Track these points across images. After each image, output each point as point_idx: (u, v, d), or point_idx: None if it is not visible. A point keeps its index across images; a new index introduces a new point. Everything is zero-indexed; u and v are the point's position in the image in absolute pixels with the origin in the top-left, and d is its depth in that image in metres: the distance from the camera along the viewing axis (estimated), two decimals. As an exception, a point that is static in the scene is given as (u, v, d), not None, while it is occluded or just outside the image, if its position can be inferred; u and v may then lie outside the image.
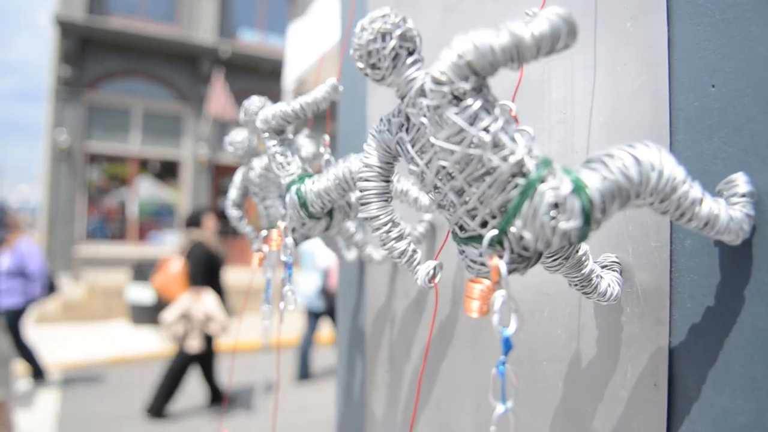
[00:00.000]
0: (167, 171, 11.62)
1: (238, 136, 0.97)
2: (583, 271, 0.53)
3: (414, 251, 0.50)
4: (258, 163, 0.96)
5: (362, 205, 0.49)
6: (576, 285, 0.54)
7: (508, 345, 0.41)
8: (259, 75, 11.47)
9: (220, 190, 12.21)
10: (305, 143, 1.00)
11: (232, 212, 1.05)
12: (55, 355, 6.38)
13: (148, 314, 8.49)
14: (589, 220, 0.40)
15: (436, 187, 0.45)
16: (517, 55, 0.40)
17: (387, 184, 0.49)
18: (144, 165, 11.34)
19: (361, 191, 0.49)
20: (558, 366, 0.66)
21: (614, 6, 0.60)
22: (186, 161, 11.46)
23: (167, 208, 11.77)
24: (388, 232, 0.48)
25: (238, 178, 1.04)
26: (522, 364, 0.72)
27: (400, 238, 0.49)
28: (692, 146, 0.52)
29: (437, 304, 0.85)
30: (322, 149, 0.89)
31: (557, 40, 0.40)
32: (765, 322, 0.47)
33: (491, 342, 0.80)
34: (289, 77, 4.61)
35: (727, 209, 0.45)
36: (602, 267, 0.58)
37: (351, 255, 1.12)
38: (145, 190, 11.42)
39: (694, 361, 0.52)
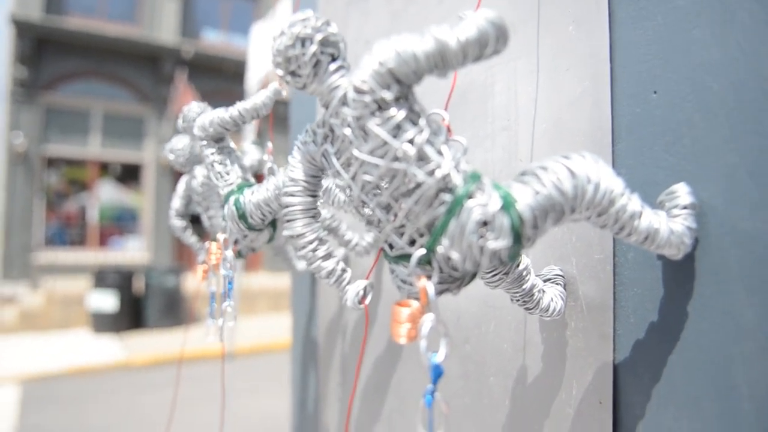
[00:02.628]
0: (129, 174, 11.33)
1: (179, 143, 0.92)
2: (524, 287, 0.50)
3: (343, 270, 0.47)
4: (200, 172, 0.91)
5: (287, 221, 0.46)
6: (518, 300, 0.52)
7: (437, 372, 0.38)
8: (223, 76, 11.28)
9: (185, 194, 11.96)
10: (251, 150, 0.96)
11: (176, 222, 1.00)
12: (12, 366, 6.15)
13: (111, 322, 8.27)
14: (519, 238, 0.37)
15: (363, 203, 0.42)
16: (441, 61, 0.37)
17: (313, 199, 0.46)
18: (105, 168, 11.03)
19: (285, 207, 0.45)
20: (504, 381, 0.64)
21: (557, 9, 0.58)
22: (149, 164, 11.20)
23: (129, 212, 11.48)
24: (315, 250, 0.45)
25: (181, 186, 0.99)
26: (469, 378, 0.69)
27: (327, 257, 0.46)
28: (634, 155, 0.51)
29: (367, 327, 0.82)
30: (265, 157, 0.85)
31: (485, 45, 0.37)
32: (707, 338, 0.45)
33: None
34: (253, 78, 4.53)
35: (667, 222, 0.43)
36: (545, 280, 0.56)
37: (302, 265, 1.09)
38: (106, 194, 11.11)
39: (638, 377, 0.50)
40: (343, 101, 0.40)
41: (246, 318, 8.98)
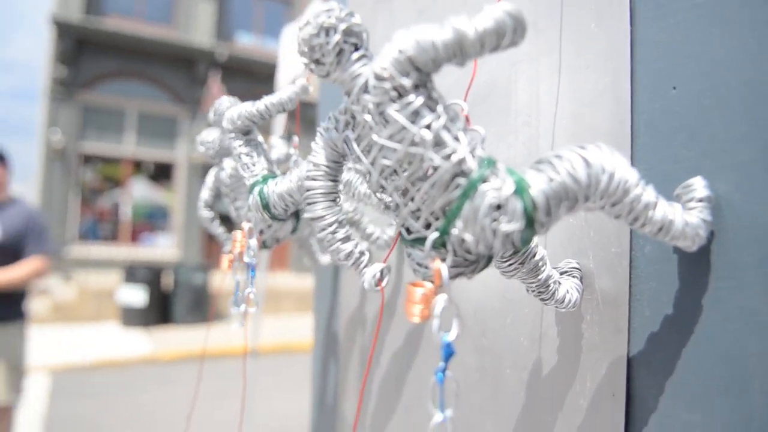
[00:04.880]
0: (161, 173, 11.57)
1: (209, 136, 0.95)
2: (539, 277, 0.51)
3: (361, 253, 0.48)
4: (229, 164, 0.94)
5: (308, 204, 0.47)
6: (533, 291, 0.52)
7: (449, 351, 0.39)
8: (256, 78, 11.45)
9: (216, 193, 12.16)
10: (278, 144, 0.99)
11: (204, 213, 1.03)
12: (44, 356, 6.33)
13: (139, 317, 8.45)
14: (532, 222, 0.38)
15: (381, 187, 0.44)
16: (459, 50, 0.38)
17: (334, 183, 0.48)
18: (138, 166, 11.29)
19: (307, 190, 0.47)
20: (520, 374, 0.64)
21: (579, 7, 0.59)
22: (180, 163, 11.42)
23: (161, 210, 11.72)
24: (334, 233, 0.47)
25: (210, 178, 1.02)
26: (486, 371, 0.70)
27: (346, 239, 0.47)
28: (653, 150, 0.51)
29: (383, 308, 0.83)
30: (291, 150, 0.87)
31: (502, 36, 0.38)
32: (722, 332, 0.45)
33: (460, 345, 0.78)
34: (282, 80, 4.59)
35: (682, 214, 0.43)
36: (562, 273, 0.56)
37: (325, 258, 1.10)
38: (139, 191, 11.37)
39: (652, 371, 0.50)
40: (365, 88, 0.42)
41: (271, 317, 9.07)
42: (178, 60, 11.14)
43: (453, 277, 0.42)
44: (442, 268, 0.40)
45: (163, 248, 11.39)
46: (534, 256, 0.50)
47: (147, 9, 11.30)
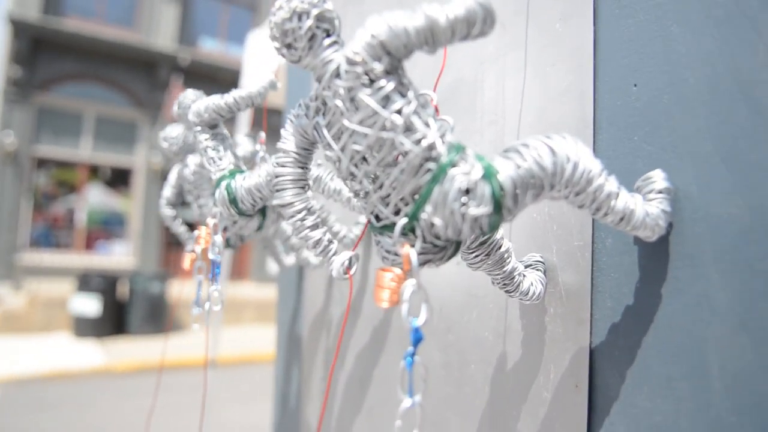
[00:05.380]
0: (119, 178, 11.27)
1: (173, 132, 0.93)
2: (505, 269, 0.52)
3: (330, 241, 0.48)
4: (193, 160, 0.92)
5: (277, 191, 0.47)
6: (498, 283, 0.53)
7: (417, 336, 0.39)
8: (219, 84, 11.30)
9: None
10: (243, 142, 0.98)
11: (166, 211, 1.01)
12: (-9, 367, 6.05)
13: (93, 327, 8.17)
14: (499, 207, 0.39)
15: (351, 174, 0.44)
16: (431, 37, 0.39)
17: (304, 170, 0.47)
18: (94, 172, 10.97)
19: (276, 177, 0.47)
20: (485, 369, 0.65)
21: (544, 7, 0.60)
22: (139, 169, 11.16)
23: (117, 217, 11.40)
24: (303, 219, 0.46)
25: (173, 176, 1.00)
26: (452, 367, 0.70)
27: (315, 227, 0.47)
28: (614, 145, 0.52)
29: (350, 299, 0.83)
30: (257, 147, 0.86)
31: (472, 25, 0.39)
32: (681, 320, 0.46)
33: (426, 342, 0.78)
34: (245, 85, 4.55)
35: (643, 205, 0.45)
36: (526, 266, 0.57)
37: (290, 260, 1.09)
38: (95, 197, 11.03)
39: (613, 360, 0.51)
40: (336, 74, 0.42)
41: (232, 328, 8.90)
42: (139, 63, 10.91)
43: (422, 264, 0.42)
44: (411, 253, 0.40)
45: (118, 256, 11.07)
46: (499, 248, 0.51)
47: (108, 11, 11.04)
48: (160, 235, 11.45)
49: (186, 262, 0.95)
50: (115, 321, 8.64)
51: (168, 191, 1.00)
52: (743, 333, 0.42)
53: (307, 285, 1.12)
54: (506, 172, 0.39)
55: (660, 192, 0.46)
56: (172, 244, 11.72)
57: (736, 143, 0.44)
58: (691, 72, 0.47)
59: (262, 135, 0.85)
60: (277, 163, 0.47)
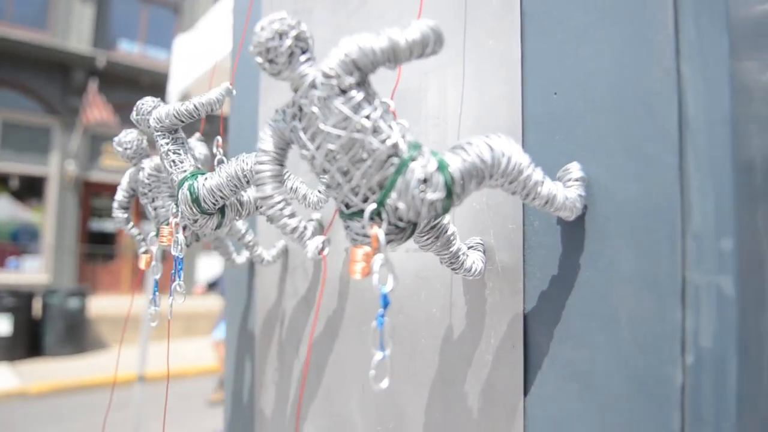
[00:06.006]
0: (30, 189, 10.62)
1: (127, 137, 0.96)
2: (451, 249, 0.61)
3: (305, 228, 0.55)
4: (148, 164, 0.96)
5: (258, 186, 0.53)
6: (446, 262, 0.62)
7: (386, 300, 0.47)
8: (139, 87, 10.90)
9: (90, 211, 11.36)
10: (197, 146, 1.02)
11: (119, 214, 1.03)
12: None
13: (3, 348, 7.68)
14: (450, 193, 0.48)
15: (324, 170, 0.51)
16: (393, 55, 0.47)
17: (281, 167, 0.54)
18: (2, 182, 10.29)
19: (256, 173, 0.53)
20: (434, 341, 0.74)
21: (479, 26, 0.70)
22: (52, 179, 10.56)
23: (28, 230, 10.73)
24: (282, 210, 0.53)
25: (125, 179, 1.03)
26: (404, 344, 0.79)
27: (292, 215, 0.54)
28: (539, 144, 0.63)
29: (324, 281, 0.90)
30: (215, 150, 0.91)
31: (426, 45, 0.48)
32: (596, 284, 0.57)
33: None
34: (173, 90, 4.47)
35: (563, 190, 0.55)
36: (469, 248, 0.67)
37: (241, 258, 1.14)
38: (3, 209, 10.34)
39: (543, 322, 0.61)
40: (313, 85, 0.49)
41: (157, 343, 8.59)
42: (52, 66, 10.33)
43: (387, 242, 0.50)
44: (379, 233, 0.48)
45: (30, 272, 10.43)
46: (446, 231, 0.60)
47: (18, 11, 10.38)
48: (76, 248, 10.89)
49: (141, 262, 0.98)
50: (28, 341, 8.14)
51: (120, 195, 1.03)
52: (642, 291, 0.53)
53: (258, 282, 1.18)
54: (455, 164, 0.48)
55: (576, 180, 0.57)
56: (89, 258, 11.16)
57: (635, 140, 0.55)
58: (601, 82, 0.57)
59: (219, 139, 0.91)
60: (258, 162, 0.53)
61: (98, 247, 11.35)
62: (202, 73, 4.02)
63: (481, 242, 0.67)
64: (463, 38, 0.72)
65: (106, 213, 11.74)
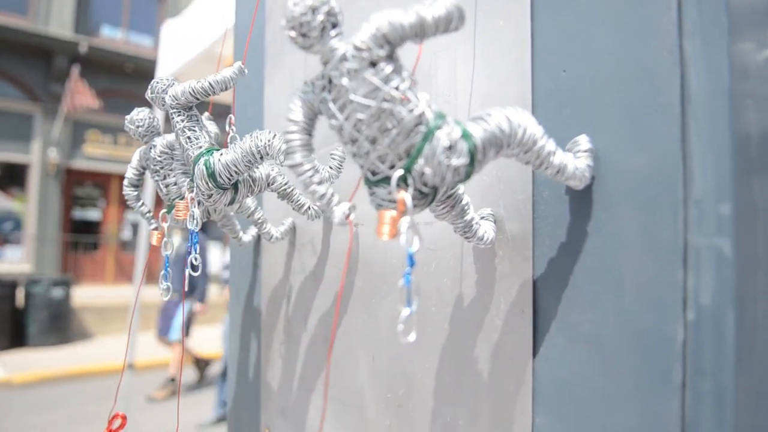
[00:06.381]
0: (11, 177, 10.46)
1: (139, 114, 0.98)
2: (465, 218, 0.64)
3: (333, 194, 0.58)
4: (160, 141, 0.98)
5: (288, 154, 0.56)
6: (459, 230, 0.65)
7: (412, 260, 0.51)
8: (122, 73, 10.76)
9: (73, 200, 11.22)
10: (206, 124, 1.04)
11: (129, 192, 1.05)
12: None
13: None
14: (473, 160, 0.51)
15: (352, 139, 0.54)
16: (421, 30, 0.50)
17: (309, 137, 0.57)
18: (-17, 170, 10.12)
19: (286, 143, 0.56)
20: (444, 309, 0.77)
21: (489, 7, 0.73)
22: (34, 166, 10.40)
23: (10, 218, 10.59)
24: (311, 176, 0.56)
25: (135, 157, 1.05)
26: (414, 314, 0.82)
27: (320, 182, 0.57)
28: (549, 118, 0.66)
29: (350, 248, 0.93)
30: (227, 127, 0.94)
31: (451, 21, 0.51)
32: (602, 250, 0.61)
33: (382, 303, 0.90)
34: (161, 76, 4.45)
35: (573, 161, 0.59)
36: (481, 218, 0.70)
37: (247, 237, 1.17)
38: (-16, 198, 10.19)
39: (551, 287, 0.65)
40: (344, 58, 0.52)
41: (142, 333, 8.56)
42: (33, 52, 10.14)
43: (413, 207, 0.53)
44: (406, 197, 0.52)
45: (12, 262, 10.30)
46: (461, 201, 0.63)
47: (-2, -2, 10.17)
48: (59, 237, 10.77)
49: (153, 239, 1.00)
50: (11, 331, 8.06)
51: (130, 172, 1.05)
52: (646, 254, 0.57)
53: (264, 259, 1.20)
54: (477, 133, 0.52)
55: (585, 151, 0.61)
56: (72, 247, 11.05)
57: (638, 114, 0.59)
58: (607, 61, 0.61)
59: (232, 117, 0.93)
60: (287, 131, 0.56)
61: (81, 236, 11.24)
62: (191, 58, 4.01)
63: (492, 213, 0.71)
64: (474, 18, 0.75)
65: (89, 202, 11.62)
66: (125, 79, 10.82)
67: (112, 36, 11.49)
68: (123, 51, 10.89)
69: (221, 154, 0.83)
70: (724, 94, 0.54)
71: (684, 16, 0.57)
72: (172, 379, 6.21)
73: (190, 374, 6.62)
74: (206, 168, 0.83)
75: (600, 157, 0.61)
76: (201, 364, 6.54)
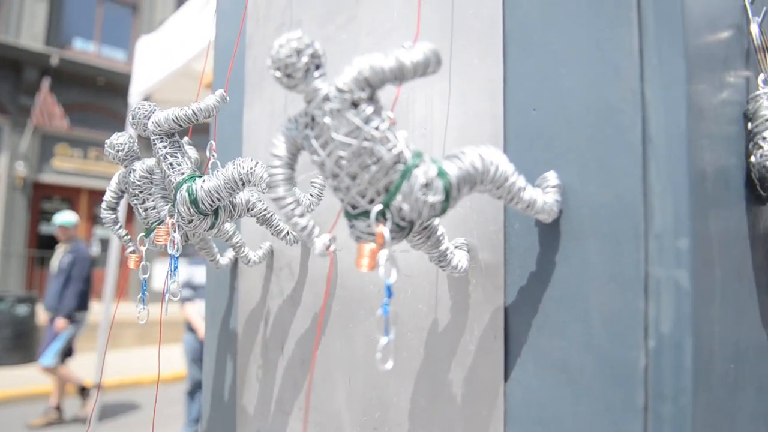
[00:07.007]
0: (-24, 191, 10.19)
1: (119, 139, 0.99)
2: (440, 248, 0.67)
3: (314, 226, 0.60)
4: (140, 166, 0.99)
5: (271, 188, 0.58)
6: (434, 260, 0.68)
7: (390, 291, 0.53)
8: (94, 87, 10.62)
9: (40, 215, 10.97)
10: (187, 149, 1.06)
11: (107, 215, 1.06)
12: None
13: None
14: (448, 196, 0.54)
15: (333, 175, 0.57)
16: (400, 74, 0.53)
17: (292, 171, 0.59)
18: (-53, 183, 9.84)
19: (270, 176, 0.58)
20: (420, 335, 0.80)
21: (465, 47, 0.77)
22: (1, 179, 10.15)
23: (-25, 232, 10.28)
24: (293, 209, 0.58)
25: (114, 180, 1.05)
26: (391, 343, 0.84)
27: (302, 215, 0.59)
28: (519, 155, 0.70)
29: (330, 277, 0.95)
30: (208, 154, 0.96)
31: (428, 66, 0.54)
32: (569, 279, 0.64)
33: (359, 328, 0.92)
34: (136, 91, 4.42)
35: (542, 196, 0.62)
36: (455, 247, 0.73)
37: (224, 260, 1.18)
38: (-53, 211, 9.89)
39: (522, 315, 0.68)
40: (326, 98, 0.55)
41: (111, 352, 8.36)
42: (3, 64, 9.95)
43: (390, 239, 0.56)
44: (385, 231, 0.54)
45: (-24, 277, 9.99)
46: (437, 231, 0.66)
47: (-35, 7, 9.99)
48: (25, 253, 10.49)
49: (131, 262, 1.01)
50: (-28, 349, 7.80)
51: (109, 195, 1.05)
52: (610, 284, 0.61)
53: (241, 282, 1.21)
54: (452, 171, 0.55)
55: (553, 186, 0.64)
56: (38, 263, 10.77)
57: (603, 152, 0.62)
58: (575, 100, 0.65)
59: (213, 143, 0.95)
60: (271, 165, 0.58)
61: (48, 252, 10.96)
62: (166, 75, 4.00)
63: (465, 242, 0.74)
64: (449, 57, 0.78)
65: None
66: (97, 92, 10.69)
67: (84, 49, 11.35)
68: (95, 64, 10.77)
69: (203, 181, 0.85)
70: (682, 135, 0.59)
71: (645, 61, 0.61)
72: (57, 407, 5.73)
73: (74, 404, 6.17)
74: (189, 194, 0.84)
75: (567, 191, 0.65)
76: (85, 393, 6.01)
